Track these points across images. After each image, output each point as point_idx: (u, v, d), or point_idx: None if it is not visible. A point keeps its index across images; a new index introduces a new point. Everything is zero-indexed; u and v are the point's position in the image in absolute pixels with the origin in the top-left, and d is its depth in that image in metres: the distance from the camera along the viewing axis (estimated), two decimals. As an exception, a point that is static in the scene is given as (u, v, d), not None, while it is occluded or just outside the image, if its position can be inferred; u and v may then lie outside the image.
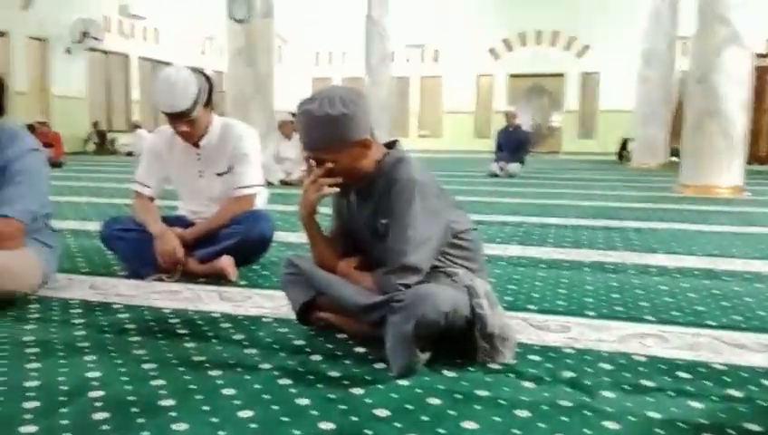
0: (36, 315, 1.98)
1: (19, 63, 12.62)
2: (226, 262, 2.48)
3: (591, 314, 2.07)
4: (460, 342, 1.56)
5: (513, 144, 8.85)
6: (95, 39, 14.32)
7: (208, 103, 2.52)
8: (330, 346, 1.71)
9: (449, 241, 1.65)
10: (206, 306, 2.10)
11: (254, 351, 1.67)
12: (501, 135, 9.12)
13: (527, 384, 1.47)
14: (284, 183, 6.69)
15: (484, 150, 14.53)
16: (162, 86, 2.41)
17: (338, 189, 1.66)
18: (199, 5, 17.71)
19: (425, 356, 1.50)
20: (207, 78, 2.52)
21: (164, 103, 2.42)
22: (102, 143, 14.47)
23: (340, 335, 1.77)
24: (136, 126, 15.08)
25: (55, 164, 9.25)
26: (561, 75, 18.67)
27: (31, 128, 9.38)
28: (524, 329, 1.87)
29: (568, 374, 1.53)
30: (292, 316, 1.86)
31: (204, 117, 2.52)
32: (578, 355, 1.67)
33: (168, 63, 17.05)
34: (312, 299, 1.78)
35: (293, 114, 7.61)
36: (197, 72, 2.50)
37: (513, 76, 19.03)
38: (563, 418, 1.29)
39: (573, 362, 1.62)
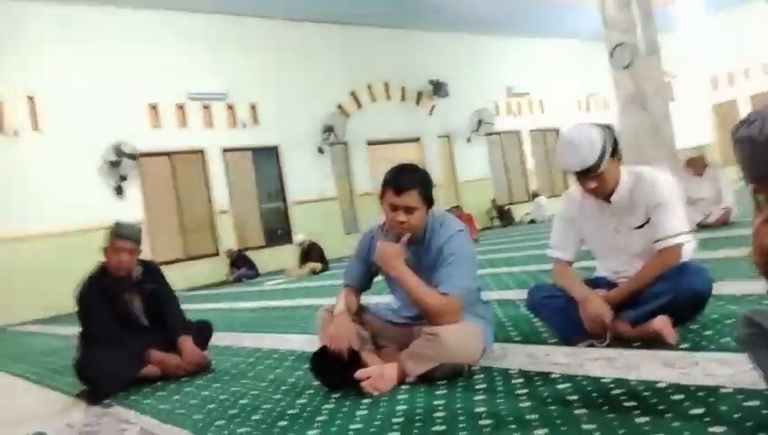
0: (483, 386, 2.09)
1: (432, 160, 14.76)
2: (661, 323, 2.23)
3: None
4: None
5: None
6: (489, 124, 15.81)
7: (614, 154, 2.39)
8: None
9: None
10: (648, 374, 1.90)
11: (721, 428, 1.41)
12: None
13: None
14: (701, 226, 5.96)
15: None
16: (566, 146, 2.36)
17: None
18: (578, 66, 18.01)
19: None
20: (610, 129, 2.41)
21: (570, 163, 2.36)
22: (503, 216, 15.56)
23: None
24: (534, 195, 15.85)
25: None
26: None
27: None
28: None
29: None
30: (759, 385, 1.52)
31: (612, 169, 2.39)
32: None
33: (555, 130, 17.64)
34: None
35: (696, 149, 6.88)
36: (599, 125, 2.41)
37: None
38: None
39: None
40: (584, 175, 2.36)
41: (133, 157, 10.66)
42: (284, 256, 11.41)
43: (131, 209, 10.57)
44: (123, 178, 10.70)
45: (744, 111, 17.98)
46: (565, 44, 18.04)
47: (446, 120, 15.36)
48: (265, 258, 11.80)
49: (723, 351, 1.99)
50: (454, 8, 14.23)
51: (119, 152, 10.52)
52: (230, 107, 12.21)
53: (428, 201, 2.41)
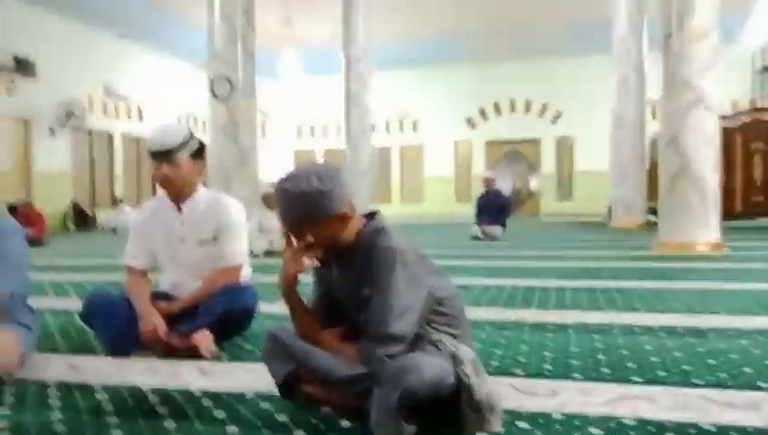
0: (11, 399, 1.92)
1: (1, 144, 12.69)
2: (201, 337, 2.42)
3: (578, 376, 2.06)
4: (447, 412, 1.53)
5: (494, 208, 9.02)
6: (79, 118, 14.49)
7: (197, 157, 2.57)
8: (314, 421, 1.67)
9: (432, 308, 1.65)
10: (187, 383, 2.05)
11: (235, 428, 1.63)
12: (481, 200, 9.31)
13: (516, 452, 1.44)
14: (269, 253, 6.68)
15: (465, 214, 14.70)
16: (155, 129, 2.53)
17: (317, 263, 1.67)
18: (181, 85, 18.13)
19: (411, 429, 1.47)
20: (199, 139, 2.60)
21: (153, 142, 2.49)
22: (83, 220, 14.37)
23: (324, 409, 1.73)
24: (118, 201, 15.08)
25: (37, 242, 9.17)
26: (536, 141, 19.21)
27: (13, 208, 9.35)
28: (512, 394, 1.85)
29: (557, 440, 1.51)
30: (276, 391, 1.82)
31: (188, 167, 2.55)
32: (567, 420, 1.65)
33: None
34: (295, 372, 1.74)
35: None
36: (187, 127, 2.60)
37: (489, 143, 19.56)
38: (554, 486, 1.26)
39: (562, 427, 1.60)
40: (161, 158, 2.48)
41: None
42: None
43: None
44: None
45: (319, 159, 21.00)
46: (173, 62, 17.98)
47: (29, 102, 13.46)
48: None
49: (255, 362, 2.27)
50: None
51: None
52: None
53: None
